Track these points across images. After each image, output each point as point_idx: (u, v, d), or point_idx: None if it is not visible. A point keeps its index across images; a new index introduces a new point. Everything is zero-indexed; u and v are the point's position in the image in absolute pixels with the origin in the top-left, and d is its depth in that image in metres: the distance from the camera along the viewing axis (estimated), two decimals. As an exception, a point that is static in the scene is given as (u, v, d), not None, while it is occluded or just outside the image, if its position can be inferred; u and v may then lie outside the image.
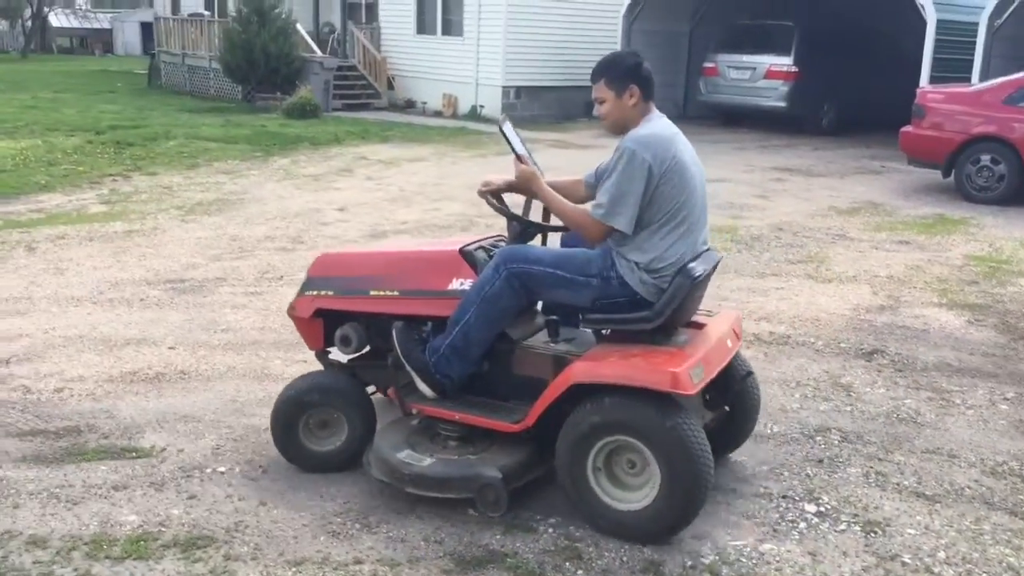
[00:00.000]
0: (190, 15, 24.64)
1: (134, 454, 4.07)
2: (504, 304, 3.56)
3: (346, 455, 3.86)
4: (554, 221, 3.84)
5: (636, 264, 3.45)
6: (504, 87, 18.86)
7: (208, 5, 26.47)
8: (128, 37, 42.52)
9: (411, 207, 9.80)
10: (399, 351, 3.69)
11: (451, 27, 19.84)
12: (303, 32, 20.85)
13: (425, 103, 20.10)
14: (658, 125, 3.51)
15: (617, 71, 3.51)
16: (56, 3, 45.56)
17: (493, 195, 3.84)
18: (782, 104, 16.70)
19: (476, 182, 3.96)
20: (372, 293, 3.82)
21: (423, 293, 3.76)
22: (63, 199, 9.70)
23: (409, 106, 20.40)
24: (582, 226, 3.54)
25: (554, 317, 3.81)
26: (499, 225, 4.10)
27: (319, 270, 4.00)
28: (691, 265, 3.44)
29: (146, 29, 39.10)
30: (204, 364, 5.18)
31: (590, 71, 3.59)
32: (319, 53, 20.95)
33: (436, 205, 9.90)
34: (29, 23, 41.51)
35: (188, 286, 6.66)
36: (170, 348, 5.42)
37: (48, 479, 3.81)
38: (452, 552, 3.32)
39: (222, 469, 3.95)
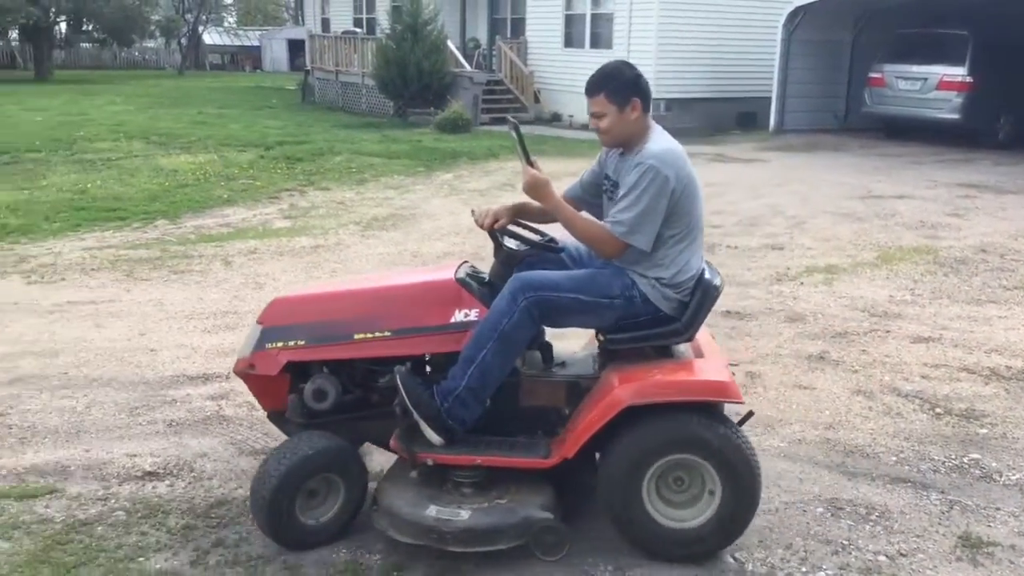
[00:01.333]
0: (343, 32, 25.33)
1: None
2: (522, 336, 3.34)
3: (340, 524, 3.43)
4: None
5: (658, 280, 3.39)
6: (654, 99, 18.53)
7: (358, 22, 27.21)
8: (275, 54, 44.21)
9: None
10: (407, 399, 3.29)
11: (599, 40, 19.73)
12: (453, 48, 21.13)
13: (572, 116, 20.02)
14: (667, 139, 3.42)
15: (618, 84, 3.37)
16: (209, 22, 47.81)
17: (502, 228, 3.49)
18: (955, 116, 15.84)
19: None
20: (357, 337, 3.41)
21: (422, 330, 3.41)
22: (247, 213, 9.99)
23: (555, 119, 20.38)
24: (598, 241, 3.37)
25: (548, 342, 3.62)
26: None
27: (279, 317, 3.50)
28: (707, 277, 3.46)
29: (292, 46, 40.62)
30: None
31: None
32: (468, 68, 21.20)
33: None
34: (185, 41, 43.71)
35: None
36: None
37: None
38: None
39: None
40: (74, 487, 3.90)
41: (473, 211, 3.58)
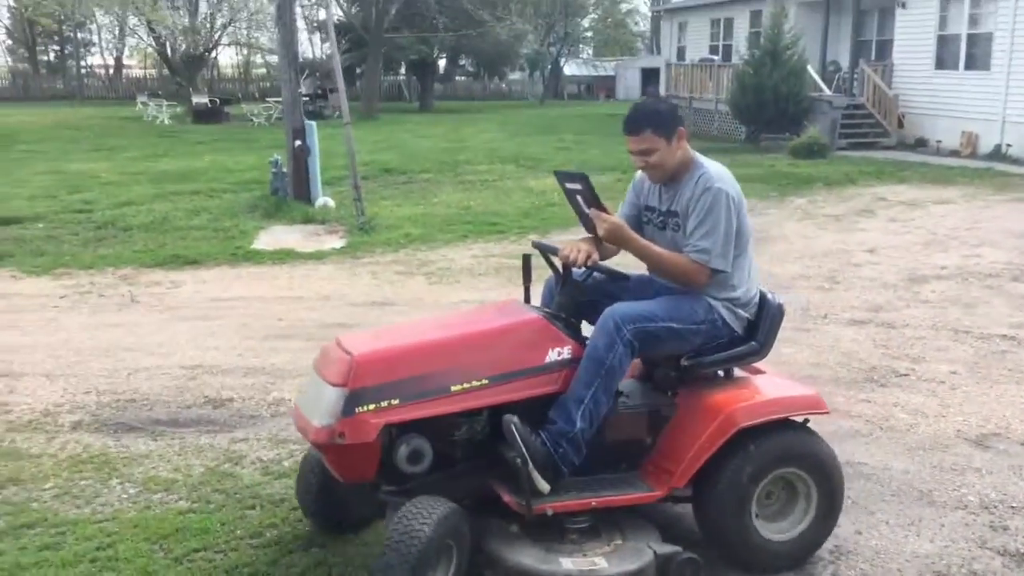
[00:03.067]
0: (700, 60, 25.91)
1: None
2: (625, 369, 3.31)
3: None
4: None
5: (731, 302, 3.45)
6: (1046, 124, 17.10)
7: (714, 49, 27.64)
8: (629, 82, 45.80)
9: (947, 252, 9.33)
10: (524, 448, 3.11)
11: (975, 61, 18.51)
12: (812, 72, 20.86)
13: (939, 141, 18.94)
14: (713, 162, 3.49)
15: (662, 117, 3.42)
16: (570, 54, 50.67)
17: (595, 264, 3.34)
18: None
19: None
20: (455, 389, 3.15)
21: (520, 374, 3.22)
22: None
23: (920, 145, 19.39)
24: (689, 273, 3.38)
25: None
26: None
27: (367, 377, 3.08)
28: (767, 295, 3.57)
29: (645, 75, 41.88)
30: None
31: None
32: (827, 92, 20.81)
33: (976, 251, 9.31)
34: (547, 72, 46.74)
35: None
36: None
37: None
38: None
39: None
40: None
41: (560, 250, 3.39)
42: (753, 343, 3.49)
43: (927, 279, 8.23)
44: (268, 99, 31.62)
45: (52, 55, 52.38)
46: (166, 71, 43.89)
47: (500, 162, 17.18)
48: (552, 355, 3.27)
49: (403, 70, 43.89)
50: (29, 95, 43.55)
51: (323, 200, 12.46)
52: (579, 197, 3.41)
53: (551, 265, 3.57)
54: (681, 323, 3.37)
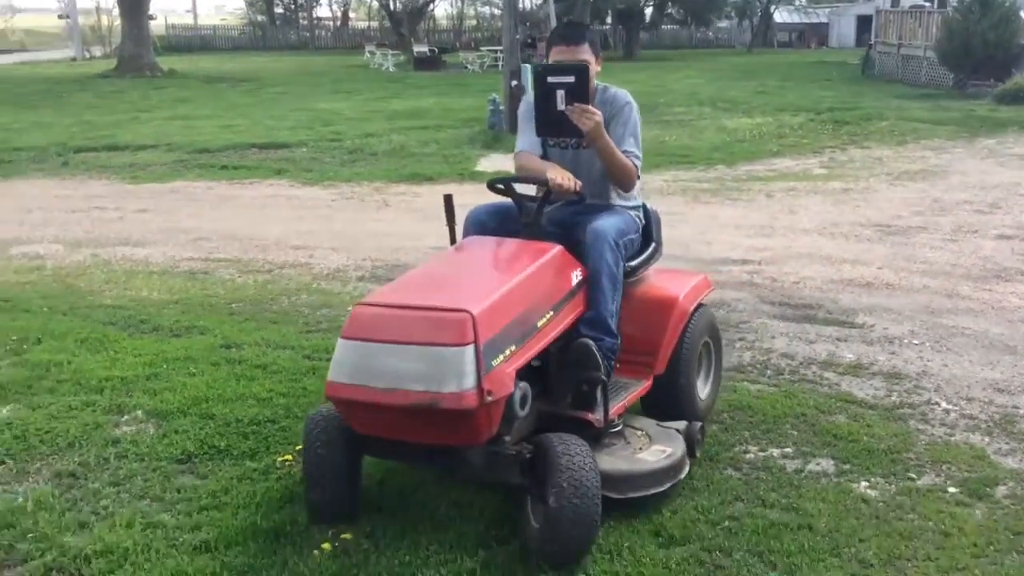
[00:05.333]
0: (911, 7, 25.55)
1: (851, 325, 5.65)
2: None
3: None
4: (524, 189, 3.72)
5: (637, 211, 3.88)
6: None
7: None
8: (843, 30, 44.61)
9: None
10: (603, 367, 3.34)
11: None
12: (1025, 17, 20.38)
13: None
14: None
15: (595, 36, 3.70)
16: (781, 1, 49.74)
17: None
18: None
19: None
20: (539, 324, 3.20)
21: (563, 301, 3.38)
22: (791, 163, 11.83)
23: None
24: (628, 175, 3.68)
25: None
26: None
27: (488, 328, 2.92)
28: (646, 203, 3.98)
29: (860, 22, 40.77)
30: (904, 281, 6.55)
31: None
32: (1040, 38, 20.29)
33: None
34: (756, 20, 46.27)
35: (893, 230, 8.08)
36: (878, 268, 6.89)
37: (792, 329, 5.58)
38: None
39: (916, 342, 5.32)
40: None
41: (552, 179, 3.47)
42: (654, 244, 3.99)
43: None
44: (481, 48, 33.70)
45: (284, 8, 57.02)
46: (388, 23, 47.10)
47: (698, 104, 18.20)
48: (574, 278, 3.46)
49: (609, 19, 44.78)
50: (267, 44, 48.09)
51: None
52: (561, 92, 3.43)
53: (514, 196, 3.65)
54: (633, 233, 3.77)
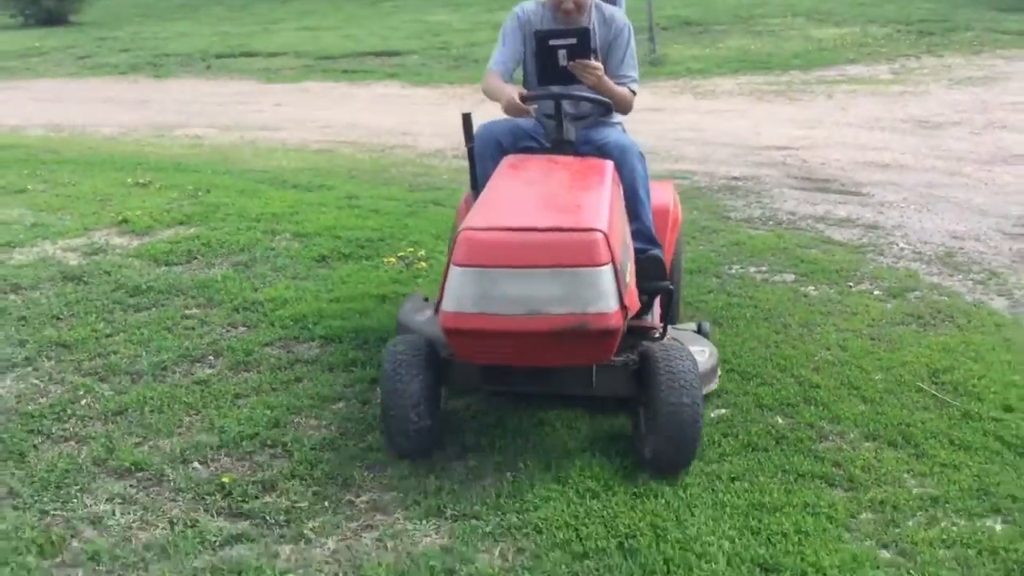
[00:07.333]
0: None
1: (855, 195, 6.77)
2: None
3: None
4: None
5: (622, 126, 3.98)
6: None
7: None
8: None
9: None
10: (668, 271, 3.56)
11: None
12: None
13: None
14: None
15: None
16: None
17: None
18: None
19: None
20: (627, 240, 3.30)
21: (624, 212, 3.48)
22: (863, 69, 12.61)
23: None
24: (627, 102, 3.76)
25: None
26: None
27: (615, 249, 2.91)
28: None
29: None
30: (918, 163, 7.58)
31: None
32: None
33: None
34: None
35: (929, 125, 9.01)
36: (900, 153, 7.92)
37: (804, 196, 6.73)
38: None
39: (903, 205, 6.44)
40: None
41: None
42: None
43: None
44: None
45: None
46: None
47: (792, 15, 18.72)
48: (622, 192, 3.52)
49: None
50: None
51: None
52: (563, 52, 3.48)
53: (559, 117, 3.58)
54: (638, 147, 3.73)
